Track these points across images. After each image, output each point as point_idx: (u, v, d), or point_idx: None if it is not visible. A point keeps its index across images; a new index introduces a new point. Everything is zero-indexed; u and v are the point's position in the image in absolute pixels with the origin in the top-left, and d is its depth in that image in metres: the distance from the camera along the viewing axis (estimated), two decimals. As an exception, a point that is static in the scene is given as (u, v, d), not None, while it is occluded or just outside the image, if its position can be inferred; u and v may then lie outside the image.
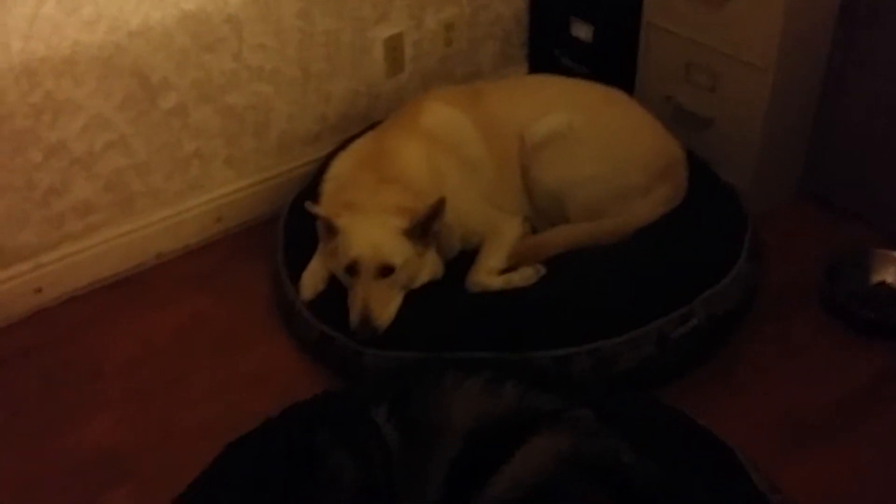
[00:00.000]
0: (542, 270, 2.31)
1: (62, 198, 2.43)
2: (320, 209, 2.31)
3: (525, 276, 2.30)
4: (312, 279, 2.38)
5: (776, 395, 2.16)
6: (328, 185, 2.44)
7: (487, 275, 2.32)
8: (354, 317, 2.20)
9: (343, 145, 2.61)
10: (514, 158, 2.47)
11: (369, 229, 2.22)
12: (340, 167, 2.46)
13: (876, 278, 2.41)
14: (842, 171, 2.67)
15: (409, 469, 1.58)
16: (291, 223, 2.58)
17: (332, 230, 2.27)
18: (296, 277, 2.40)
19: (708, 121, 2.66)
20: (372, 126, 2.65)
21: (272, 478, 1.63)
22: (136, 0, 2.33)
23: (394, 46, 2.85)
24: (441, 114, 2.46)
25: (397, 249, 2.22)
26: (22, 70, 2.23)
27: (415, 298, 2.27)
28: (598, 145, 2.41)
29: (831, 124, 2.64)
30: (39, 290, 2.49)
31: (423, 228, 2.24)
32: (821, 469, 1.97)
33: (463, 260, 2.38)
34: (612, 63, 2.88)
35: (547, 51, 3.10)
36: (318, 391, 2.12)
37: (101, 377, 2.32)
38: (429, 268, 2.31)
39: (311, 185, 2.58)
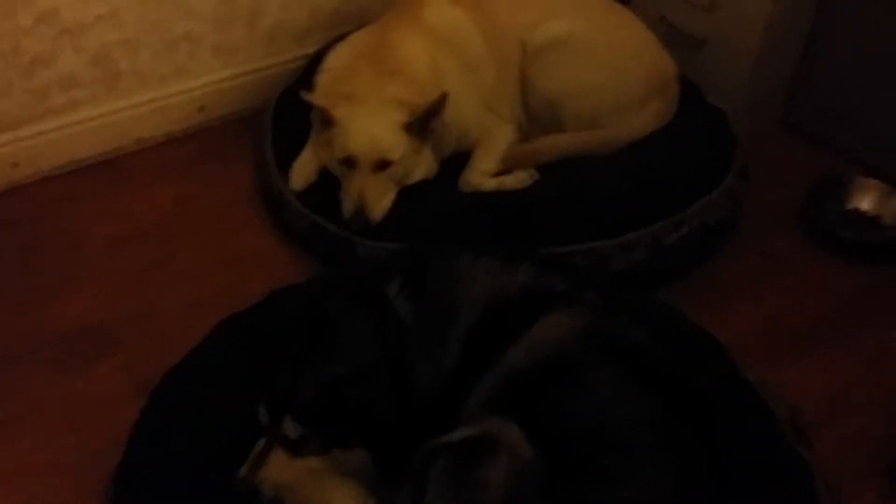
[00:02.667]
0: (536, 175, 2.33)
1: (48, 69, 2.35)
2: (317, 98, 2.28)
3: (518, 179, 2.32)
4: (303, 169, 2.35)
5: (761, 305, 2.23)
6: (324, 76, 2.40)
7: (481, 176, 2.33)
8: (348, 208, 2.20)
9: (331, 44, 2.57)
10: (513, 63, 2.45)
11: (368, 121, 2.20)
12: (338, 58, 2.42)
13: (853, 204, 2.48)
14: (822, 101, 2.73)
15: (425, 337, 1.58)
16: (280, 114, 2.54)
17: (328, 121, 2.24)
18: (284, 168, 2.38)
19: (701, 41, 2.68)
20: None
21: (279, 346, 1.62)
22: None
23: (391, -57, 2.79)
24: (445, 12, 2.43)
25: (396, 143, 2.20)
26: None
27: (408, 194, 2.27)
28: (600, 55, 2.41)
29: (817, 53, 2.68)
30: (16, 165, 2.42)
31: (423, 124, 2.23)
32: (806, 373, 2.05)
33: (455, 161, 2.38)
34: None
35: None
36: (305, 278, 2.12)
37: (83, 254, 2.28)
38: (424, 165, 2.30)
39: (301, 78, 2.54)
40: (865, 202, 2.47)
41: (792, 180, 2.59)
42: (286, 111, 2.53)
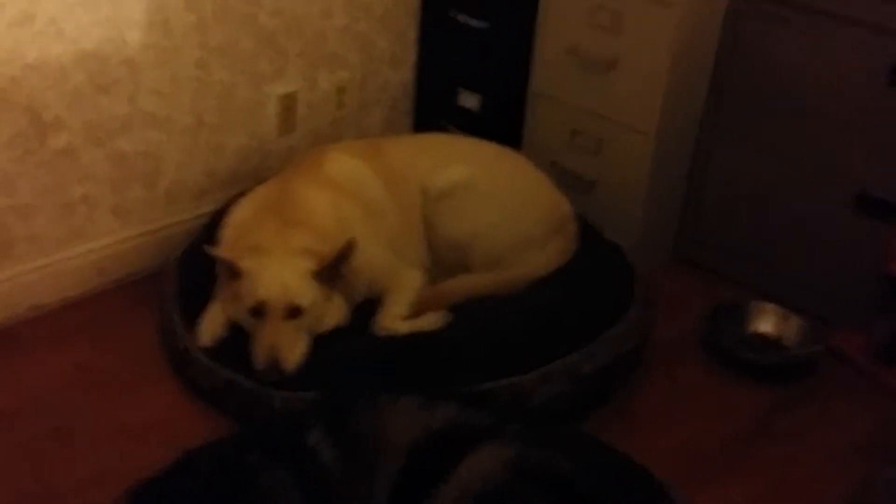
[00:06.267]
0: (448, 316, 2.33)
1: (-64, 237, 2.27)
2: (222, 252, 2.26)
3: (431, 321, 2.31)
4: (211, 325, 2.30)
5: (673, 431, 2.26)
6: (228, 231, 2.39)
7: (393, 320, 2.31)
8: (261, 359, 2.14)
9: (231, 201, 2.58)
10: (415, 209, 2.51)
11: (277, 270, 2.18)
12: (241, 213, 2.42)
13: (753, 328, 2.58)
14: (708, 234, 2.87)
15: (350, 485, 1.53)
16: (183, 272, 2.50)
17: (235, 273, 2.21)
18: (189, 325, 2.32)
19: (591, 183, 2.80)
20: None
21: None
22: (33, 33, 2.25)
23: (288, 105, 2.86)
24: (344, 163, 2.48)
25: (306, 291, 2.18)
26: None
27: (323, 342, 2.23)
28: (499, 197, 2.49)
29: (700, 190, 2.84)
30: None
31: (332, 271, 2.22)
32: (723, 496, 2.07)
33: (366, 308, 2.37)
34: (499, 131, 2.98)
35: (433, 120, 3.19)
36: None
37: (-34, 433, 2.13)
38: (335, 312, 2.28)
39: (204, 235, 2.52)
40: (765, 325, 2.57)
41: (689, 309, 2.69)
42: (190, 269, 2.49)
